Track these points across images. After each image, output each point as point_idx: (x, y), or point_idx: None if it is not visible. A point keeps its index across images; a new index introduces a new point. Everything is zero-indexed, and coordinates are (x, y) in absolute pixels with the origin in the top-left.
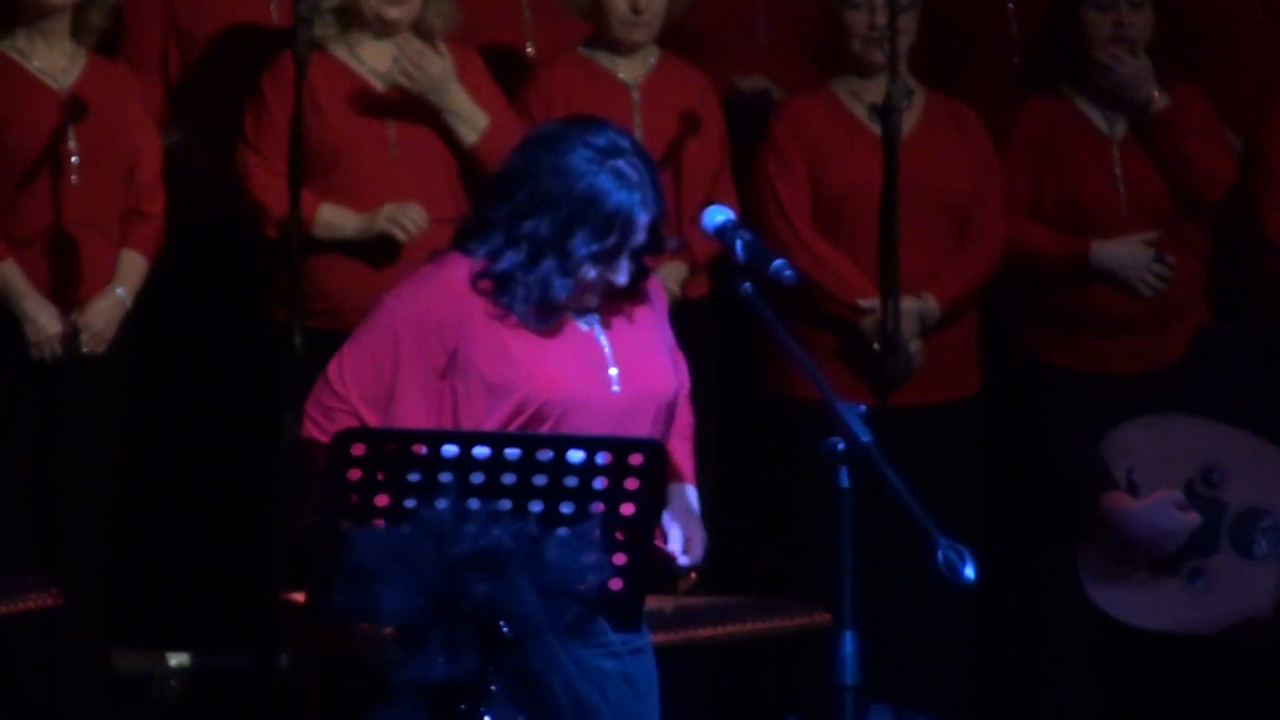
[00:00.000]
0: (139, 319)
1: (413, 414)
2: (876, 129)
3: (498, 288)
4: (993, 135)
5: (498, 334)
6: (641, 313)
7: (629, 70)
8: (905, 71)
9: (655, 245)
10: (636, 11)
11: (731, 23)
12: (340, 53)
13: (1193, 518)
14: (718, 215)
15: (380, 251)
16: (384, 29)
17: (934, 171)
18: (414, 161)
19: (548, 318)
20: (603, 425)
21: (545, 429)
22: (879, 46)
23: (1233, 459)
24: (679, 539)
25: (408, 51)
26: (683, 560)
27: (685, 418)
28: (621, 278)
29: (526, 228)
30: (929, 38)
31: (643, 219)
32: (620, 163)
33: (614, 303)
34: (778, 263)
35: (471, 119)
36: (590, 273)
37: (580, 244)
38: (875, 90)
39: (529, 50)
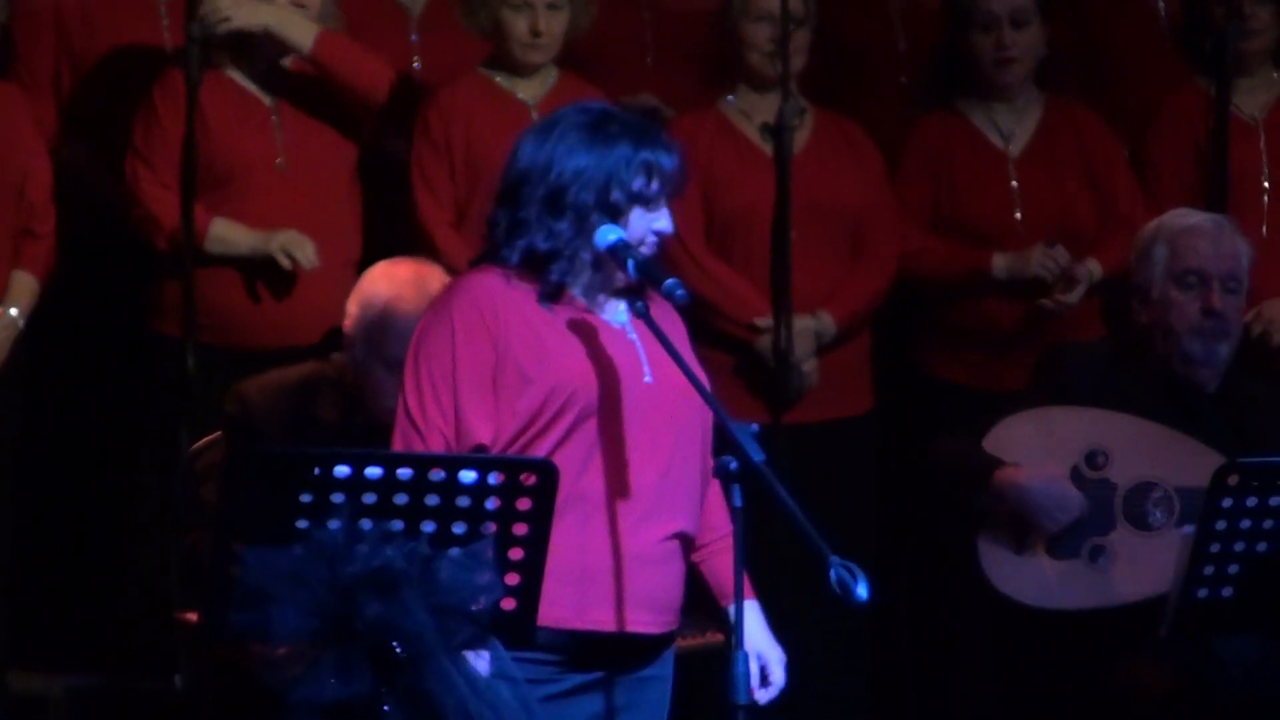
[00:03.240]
0: (30, 337)
1: (478, 424)
2: (767, 148)
3: (545, 267)
4: (882, 152)
5: (532, 327)
6: (664, 321)
7: (528, 90)
8: (795, 90)
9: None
10: (536, 34)
11: (619, 43)
12: (229, 69)
13: (1083, 499)
14: (610, 234)
15: (273, 268)
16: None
17: (826, 189)
18: (302, 177)
19: (601, 284)
20: (637, 419)
21: (573, 417)
22: (777, 60)
23: (1113, 439)
24: (755, 671)
25: (215, 5)
26: (760, 697)
27: (727, 525)
28: (669, 225)
29: (568, 199)
30: (819, 57)
31: (671, 162)
32: (628, 120)
33: (637, 304)
34: (670, 282)
35: (303, 27)
36: (637, 223)
37: (622, 196)
38: (766, 109)
39: (416, 68)
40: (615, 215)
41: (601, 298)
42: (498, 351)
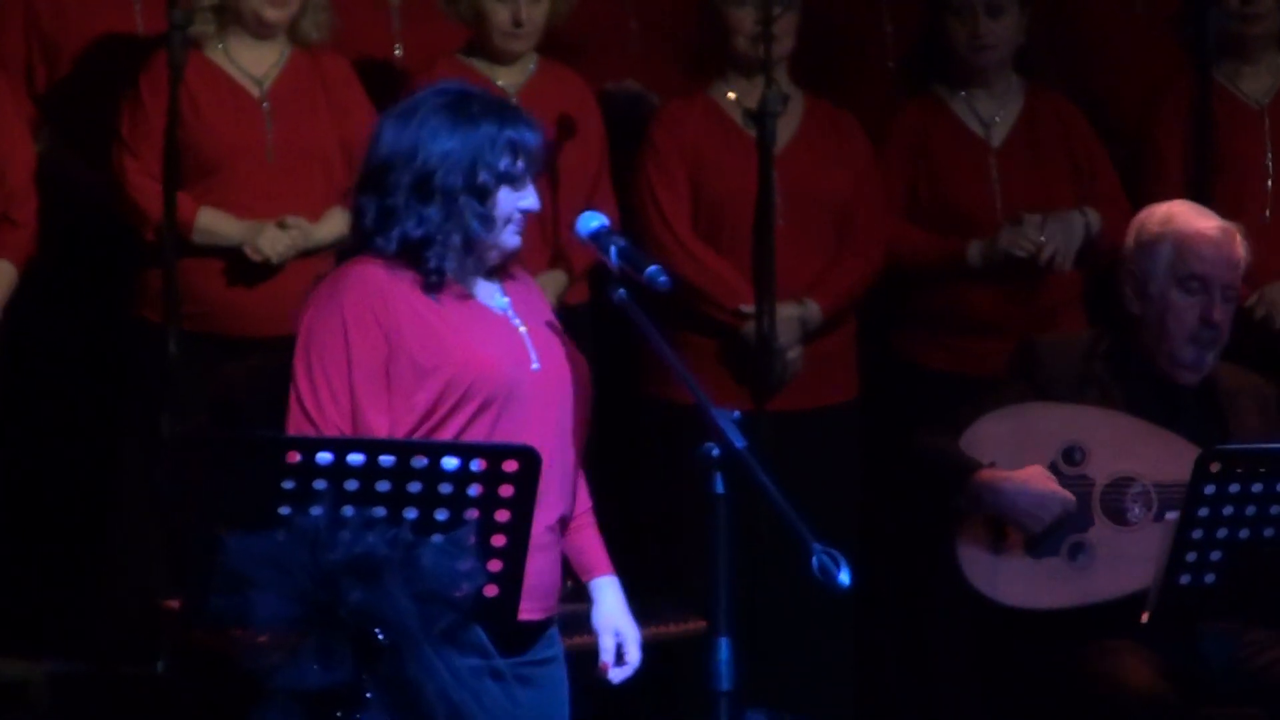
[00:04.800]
0: (11, 322)
1: (375, 417)
2: (754, 134)
3: (420, 255)
4: (870, 139)
5: (422, 317)
6: (534, 300)
7: (508, 78)
8: (782, 76)
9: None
10: (518, 23)
11: (604, 29)
12: (216, 55)
13: (1067, 494)
14: (592, 221)
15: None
16: (262, 30)
17: (814, 177)
18: (291, 166)
19: (474, 267)
20: (528, 407)
21: (473, 408)
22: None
23: (1090, 435)
24: (611, 648)
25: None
26: (614, 675)
27: (587, 501)
28: (535, 203)
29: (435, 183)
30: (805, 42)
31: (534, 139)
32: (488, 99)
33: (513, 285)
34: (651, 269)
35: (338, 225)
36: (504, 203)
37: (489, 177)
38: (754, 95)
39: (397, 55)
40: (484, 196)
41: (474, 280)
42: (390, 344)
